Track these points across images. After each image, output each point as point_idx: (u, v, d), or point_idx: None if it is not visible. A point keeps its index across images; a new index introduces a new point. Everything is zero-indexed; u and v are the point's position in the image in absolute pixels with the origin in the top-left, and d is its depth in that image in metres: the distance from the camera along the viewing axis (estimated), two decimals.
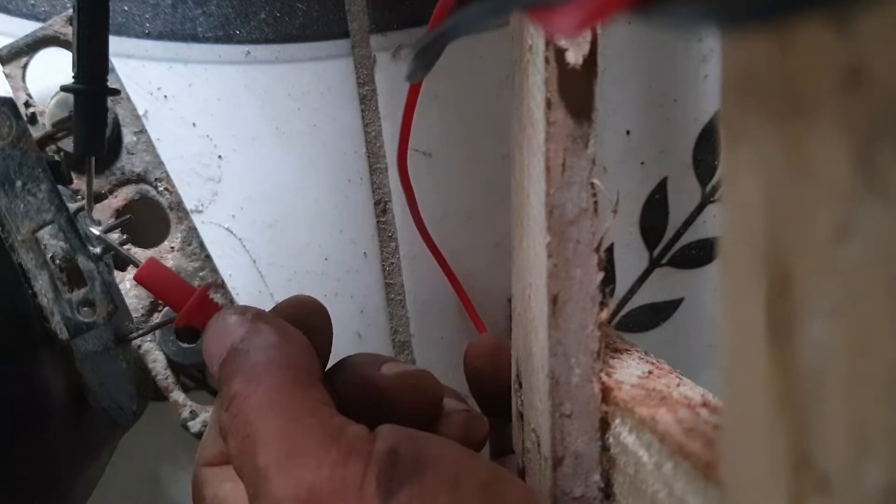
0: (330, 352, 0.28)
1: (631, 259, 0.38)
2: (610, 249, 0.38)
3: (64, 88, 0.29)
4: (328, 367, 0.27)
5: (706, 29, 0.09)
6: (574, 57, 0.20)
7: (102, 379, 0.29)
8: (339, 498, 0.19)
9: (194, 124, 0.35)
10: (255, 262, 0.36)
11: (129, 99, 0.33)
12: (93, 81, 0.28)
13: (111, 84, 0.30)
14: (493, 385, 0.29)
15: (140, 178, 0.34)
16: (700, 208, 0.38)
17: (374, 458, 0.19)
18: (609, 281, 0.37)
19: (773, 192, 0.11)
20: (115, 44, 0.34)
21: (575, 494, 0.22)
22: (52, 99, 0.32)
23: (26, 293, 0.26)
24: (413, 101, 0.31)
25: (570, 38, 0.20)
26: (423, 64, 0.22)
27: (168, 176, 0.34)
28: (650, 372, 0.22)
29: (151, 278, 0.26)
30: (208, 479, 0.24)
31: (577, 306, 0.21)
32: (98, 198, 0.33)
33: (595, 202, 0.21)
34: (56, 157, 0.32)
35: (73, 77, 0.28)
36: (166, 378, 0.34)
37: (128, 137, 0.33)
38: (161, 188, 0.34)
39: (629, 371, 0.22)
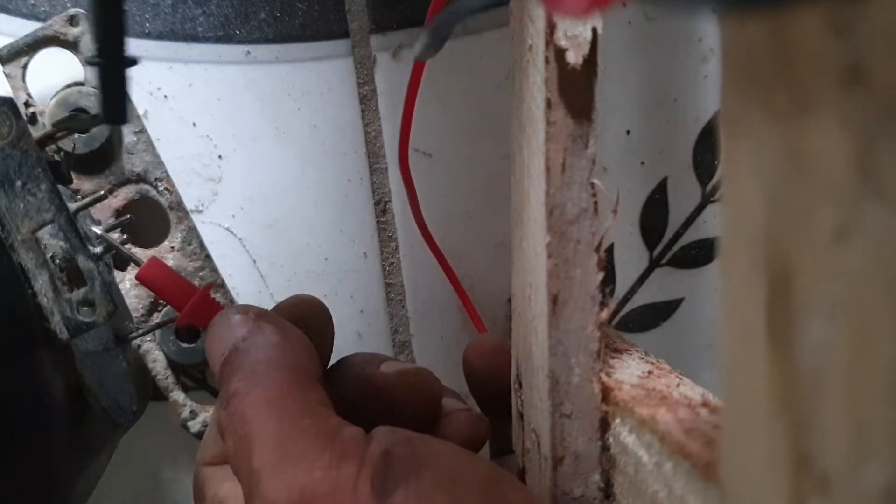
0: (331, 351, 0.28)
1: (631, 259, 0.38)
2: (610, 249, 0.38)
3: (89, 62, 0.29)
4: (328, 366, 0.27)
5: (703, 12, 0.09)
6: (574, 57, 0.20)
7: (102, 379, 0.29)
8: (331, 500, 0.19)
9: (194, 124, 0.35)
10: (255, 262, 0.36)
11: (129, 99, 0.33)
12: (114, 55, 0.28)
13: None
14: (493, 385, 0.29)
15: (140, 178, 0.34)
16: (700, 208, 0.38)
17: (368, 459, 0.19)
18: (609, 281, 0.37)
19: (773, 192, 0.11)
20: None
21: (575, 494, 0.22)
22: (52, 99, 0.32)
23: (26, 293, 0.26)
24: (412, 99, 0.31)
25: (577, 20, 0.19)
26: (434, 42, 0.22)
27: (168, 176, 0.34)
28: (650, 372, 0.22)
29: (153, 278, 0.26)
30: (208, 479, 0.24)
31: (577, 306, 0.21)
32: (98, 198, 0.33)
33: (595, 202, 0.21)
34: (56, 157, 0.32)
35: (95, 52, 0.28)
36: (166, 378, 0.34)
37: (128, 137, 0.33)
38: (161, 188, 0.34)
39: (629, 371, 0.22)
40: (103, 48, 0.27)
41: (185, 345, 0.34)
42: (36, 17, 0.33)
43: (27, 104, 0.32)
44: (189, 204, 0.35)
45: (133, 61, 0.28)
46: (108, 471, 0.32)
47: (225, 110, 0.35)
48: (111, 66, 0.27)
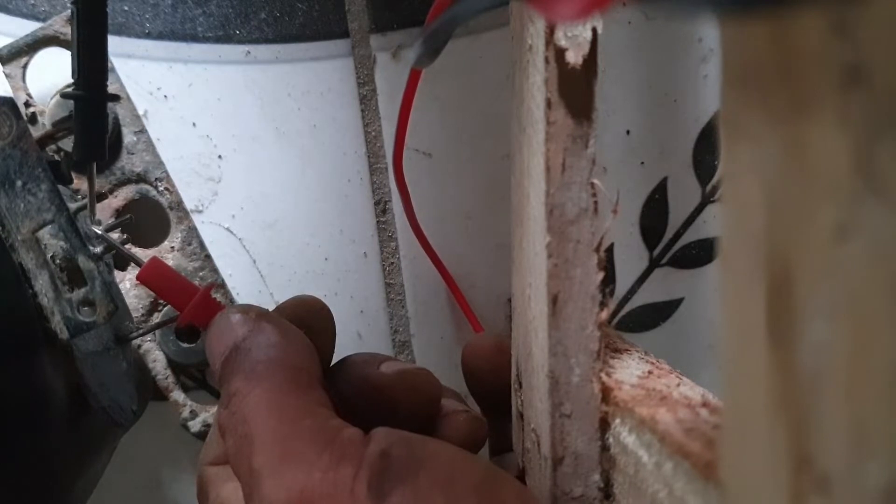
0: (333, 351, 0.28)
1: (631, 259, 0.38)
2: (610, 249, 0.38)
3: (64, 95, 0.29)
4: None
5: (702, 14, 0.09)
6: (574, 57, 0.20)
7: (102, 379, 0.29)
8: (329, 502, 0.19)
9: (194, 124, 0.35)
10: (255, 262, 0.36)
11: (129, 99, 0.33)
12: (93, 88, 0.27)
13: (111, 84, 0.30)
14: (492, 384, 0.29)
15: (140, 178, 0.34)
16: (700, 208, 0.38)
17: (365, 461, 0.19)
18: (609, 281, 0.37)
19: (773, 192, 0.11)
20: (115, 44, 0.34)
21: (575, 494, 0.22)
22: (52, 99, 0.32)
23: (26, 293, 0.26)
24: (408, 105, 0.31)
25: (570, 24, 0.19)
26: (431, 49, 0.22)
27: (168, 176, 0.34)
28: (650, 372, 0.22)
29: (154, 277, 0.26)
30: (211, 479, 0.24)
31: (577, 306, 0.21)
32: (98, 198, 0.33)
33: (595, 202, 0.21)
34: (56, 157, 0.32)
35: (74, 83, 0.28)
36: (166, 378, 0.34)
37: (128, 137, 0.33)
38: (161, 188, 0.34)
39: (629, 371, 0.22)
40: (84, 81, 0.26)
41: (185, 345, 0.34)
42: (36, 17, 0.33)
43: (27, 104, 0.32)
44: (189, 204, 0.35)
45: (115, 97, 0.28)
46: (108, 471, 0.32)
47: (225, 110, 0.35)
48: (91, 101, 0.26)
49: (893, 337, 0.09)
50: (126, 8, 0.34)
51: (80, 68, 0.27)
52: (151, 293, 0.32)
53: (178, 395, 0.34)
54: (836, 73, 0.09)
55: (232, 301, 0.35)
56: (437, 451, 0.21)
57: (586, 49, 0.20)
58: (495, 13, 0.35)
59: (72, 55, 0.27)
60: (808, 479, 0.11)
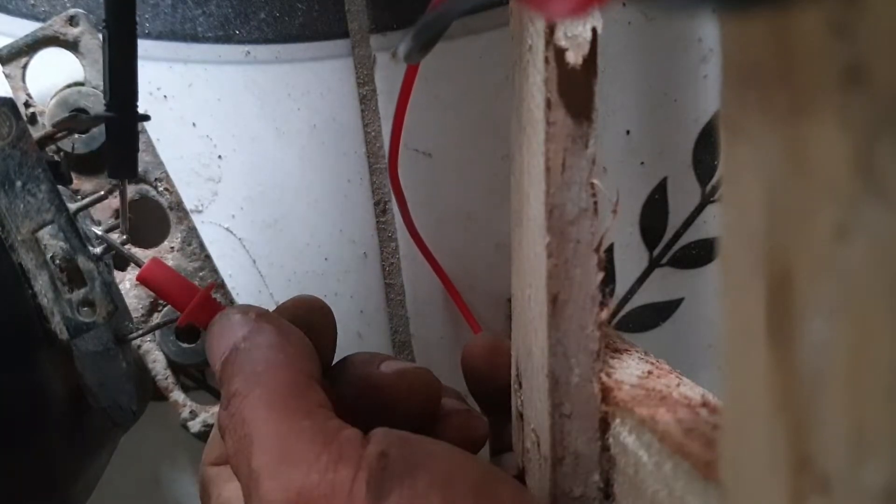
0: (334, 351, 0.28)
1: (631, 259, 0.38)
2: (610, 249, 0.38)
3: (96, 117, 0.29)
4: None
5: (703, 12, 0.09)
6: (574, 57, 0.20)
7: (102, 379, 0.29)
8: (328, 502, 0.19)
9: (194, 124, 0.35)
10: (255, 262, 0.36)
11: None
12: (124, 109, 0.28)
13: None
14: (491, 384, 0.29)
15: (140, 178, 0.33)
16: (700, 208, 0.38)
17: (364, 461, 0.20)
18: (609, 281, 0.37)
19: (773, 191, 0.11)
20: None
21: (574, 494, 0.22)
22: (52, 99, 0.32)
23: (26, 293, 0.26)
24: (404, 105, 0.31)
25: (566, 20, 0.19)
26: (422, 44, 0.22)
27: (168, 176, 0.34)
28: (650, 372, 0.22)
29: (154, 278, 0.26)
30: (213, 479, 0.24)
31: (577, 306, 0.21)
32: (98, 199, 0.33)
33: (595, 202, 0.21)
34: (56, 158, 0.32)
35: (105, 105, 0.28)
36: (166, 378, 0.34)
37: None
38: (161, 188, 0.34)
39: (629, 371, 0.22)
40: (115, 102, 0.26)
41: (185, 345, 0.34)
42: (36, 17, 0.33)
43: (27, 104, 0.32)
44: (189, 204, 0.35)
45: (145, 117, 0.28)
46: (108, 471, 0.32)
47: (225, 110, 0.35)
48: (122, 122, 0.27)
49: (893, 337, 0.09)
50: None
51: (111, 90, 0.27)
52: (151, 293, 0.32)
53: (178, 395, 0.34)
54: (836, 73, 0.09)
55: (232, 301, 0.35)
56: (435, 451, 0.21)
57: (586, 49, 0.20)
58: (495, 13, 0.35)
59: (103, 77, 0.27)
60: (808, 480, 0.11)
